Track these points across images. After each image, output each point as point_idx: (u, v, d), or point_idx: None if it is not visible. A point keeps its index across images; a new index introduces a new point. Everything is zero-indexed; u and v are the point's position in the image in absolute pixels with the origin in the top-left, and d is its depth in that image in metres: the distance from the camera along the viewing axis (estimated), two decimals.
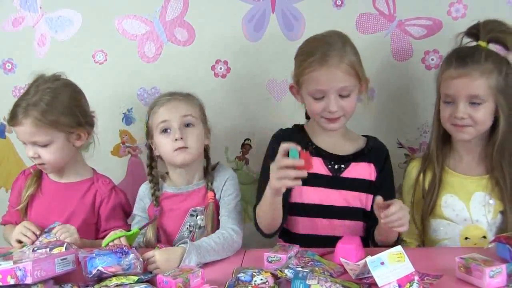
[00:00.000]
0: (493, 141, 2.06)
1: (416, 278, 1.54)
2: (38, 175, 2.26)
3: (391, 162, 2.20)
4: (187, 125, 2.14)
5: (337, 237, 1.96)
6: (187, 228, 2.17)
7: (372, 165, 2.15)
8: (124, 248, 1.78)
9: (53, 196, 2.23)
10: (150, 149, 2.24)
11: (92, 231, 2.23)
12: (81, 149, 2.29)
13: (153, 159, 2.25)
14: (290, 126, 2.28)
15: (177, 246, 1.91)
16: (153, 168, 2.25)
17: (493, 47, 2.07)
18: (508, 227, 2.04)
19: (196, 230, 2.17)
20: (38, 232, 2.06)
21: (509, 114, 2.03)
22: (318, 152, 2.15)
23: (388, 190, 2.12)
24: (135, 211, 2.25)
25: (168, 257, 1.84)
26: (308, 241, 2.06)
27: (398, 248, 1.59)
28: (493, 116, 2.04)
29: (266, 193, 1.91)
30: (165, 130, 2.14)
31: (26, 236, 2.04)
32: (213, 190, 2.18)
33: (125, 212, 2.30)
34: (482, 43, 2.07)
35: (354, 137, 2.21)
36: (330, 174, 2.14)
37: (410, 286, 1.53)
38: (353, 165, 2.14)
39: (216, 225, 2.14)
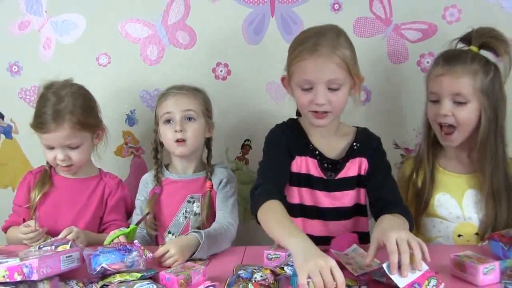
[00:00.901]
0: (475, 141, 2.06)
1: (433, 273, 1.56)
2: (49, 173, 2.29)
3: (383, 150, 2.13)
4: (189, 118, 2.21)
5: (333, 238, 1.96)
6: (183, 213, 2.22)
7: (364, 159, 2.07)
8: (128, 246, 1.79)
9: (65, 191, 2.26)
10: (156, 134, 2.31)
11: (97, 224, 2.28)
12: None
13: (158, 143, 2.32)
14: None
15: (189, 234, 1.95)
16: (158, 152, 2.33)
17: (484, 53, 2.08)
18: (496, 225, 2.06)
19: (191, 216, 2.21)
20: (32, 226, 2.07)
21: (491, 117, 2.03)
22: (314, 153, 2.08)
23: (381, 175, 2.04)
24: (138, 196, 2.32)
25: (183, 248, 1.87)
26: None
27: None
28: (478, 117, 2.04)
29: (282, 237, 1.70)
30: (168, 121, 2.23)
31: (29, 236, 2.06)
32: (211, 180, 2.24)
33: (127, 206, 2.34)
34: (474, 48, 2.08)
35: (346, 131, 2.12)
36: (324, 177, 2.07)
37: (428, 282, 1.54)
38: (347, 166, 2.07)
39: (211, 214, 2.19)
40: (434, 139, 2.15)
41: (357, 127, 2.15)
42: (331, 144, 2.09)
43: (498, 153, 2.06)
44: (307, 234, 1.94)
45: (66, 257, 1.69)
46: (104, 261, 1.71)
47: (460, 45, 2.14)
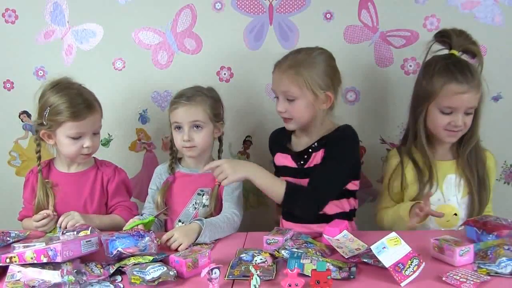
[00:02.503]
0: (466, 144, 2.10)
1: (415, 254, 1.58)
2: (47, 175, 2.24)
3: (342, 144, 2.08)
4: (196, 127, 2.18)
5: None
6: (192, 205, 2.22)
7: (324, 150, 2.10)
8: (141, 232, 1.80)
9: (67, 186, 2.23)
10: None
11: (104, 210, 2.27)
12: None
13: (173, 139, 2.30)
14: None
15: (192, 222, 1.96)
16: (173, 144, 2.30)
17: (461, 55, 2.10)
18: (476, 210, 2.10)
19: (200, 208, 2.21)
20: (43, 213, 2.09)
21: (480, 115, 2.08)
22: (287, 150, 2.19)
23: (324, 164, 2.06)
24: (151, 186, 2.30)
25: (186, 232, 1.88)
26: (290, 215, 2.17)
27: (393, 234, 1.62)
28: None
29: None
30: (178, 128, 2.20)
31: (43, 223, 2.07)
32: None
33: (127, 188, 2.33)
34: (456, 52, 2.09)
35: (325, 130, 2.13)
36: (296, 166, 2.15)
37: (411, 262, 1.56)
38: (314, 155, 2.10)
39: (218, 206, 2.19)
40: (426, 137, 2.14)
41: (340, 125, 2.15)
42: (306, 141, 2.16)
43: (480, 146, 2.13)
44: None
45: (86, 241, 1.72)
46: (120, 245, 1.73)
47: (438, 46, 2.15)
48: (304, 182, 2.08)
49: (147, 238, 1.76)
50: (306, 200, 2.01)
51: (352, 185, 2.13)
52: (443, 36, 2.14)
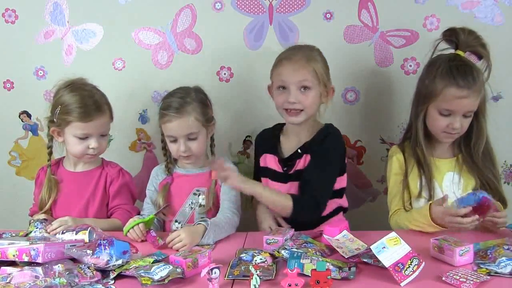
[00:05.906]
0: (475, 147, 2.09)
1: (415, 254, 1.58)
2: (50, 175, 2.25)
3: (329, 144, 2.11)
4: (191, 138, 2.16)
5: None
6: (189, 205, 2.21)
7: (308, 155, 2.11)
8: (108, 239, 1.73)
9: (71, 185, 2.25)
10: (163, 136, 2.24)
11: (105, 211, 2.27)
12: None
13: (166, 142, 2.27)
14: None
15: (197, 224, 1.95)
16: (167, 150, 2.28)
17: (468, 55, 2.09)
18: None
19: (197, 208, 2.20)
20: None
21: (484, 116, 2.09)
22: (276, 152, 2.20)
23: (313, 162, 2.09)
24: (149, 187, 2.30)
25: (192, 233, 1.88)
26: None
27: (393, 234, 1.62)
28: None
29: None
30: (174, 141, 2.18)
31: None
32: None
33: (131, 192, 2.32)
34: (461, 53, 2.07)
35: (312, 130, 2.16)
36: (281, 171, 2.17)
37: (411, 262, 1.56)
38: (297, 161, 2.13)
39: (215, 204, 2.18)
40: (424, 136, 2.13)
41: (325, 125, 2.18)
42: (294, 143, 2.17)
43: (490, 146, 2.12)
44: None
45: (71, 245, 1.72)
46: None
47: (443, 45, 2.14)
48: (285, 186, 2.12)
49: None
50: (308, 206, 2.03)
51: (337, 184, 2.15)
52: (451, 35, 2.12)
